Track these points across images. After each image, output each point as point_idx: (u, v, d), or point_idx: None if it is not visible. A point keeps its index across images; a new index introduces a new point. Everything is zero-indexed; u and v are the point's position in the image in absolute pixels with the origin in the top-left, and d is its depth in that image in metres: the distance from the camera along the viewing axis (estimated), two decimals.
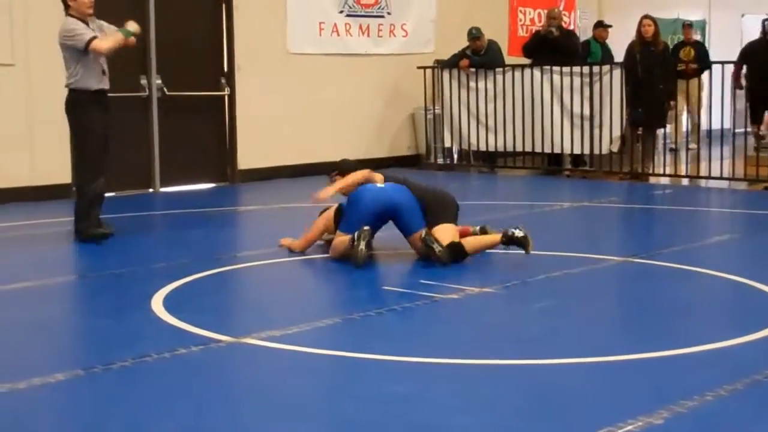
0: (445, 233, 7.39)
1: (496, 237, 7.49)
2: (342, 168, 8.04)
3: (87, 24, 8.37)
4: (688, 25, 16.24)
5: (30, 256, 8.10)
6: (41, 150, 11.05)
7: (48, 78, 11.02)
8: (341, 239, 7.29)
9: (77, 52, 8.31)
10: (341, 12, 13.92)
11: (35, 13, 10.91)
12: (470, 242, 7.48)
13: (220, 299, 6.63)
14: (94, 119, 8.37)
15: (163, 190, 12.10)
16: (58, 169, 11.17)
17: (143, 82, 11.94)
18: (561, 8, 16.19)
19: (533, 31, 15.22)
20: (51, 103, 11.03)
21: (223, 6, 12.70)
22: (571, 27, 16.53)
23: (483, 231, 7.88)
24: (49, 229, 9.37)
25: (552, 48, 13.46)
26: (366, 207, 7.27)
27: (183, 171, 12.34)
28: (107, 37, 8.34)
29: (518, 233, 7.35)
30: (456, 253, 7.31)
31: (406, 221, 7.38)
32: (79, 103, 8.39)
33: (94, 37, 8.23)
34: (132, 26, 8.45)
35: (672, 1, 18.98)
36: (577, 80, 12.99)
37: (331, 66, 13.73)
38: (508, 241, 7.39)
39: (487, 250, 7.53)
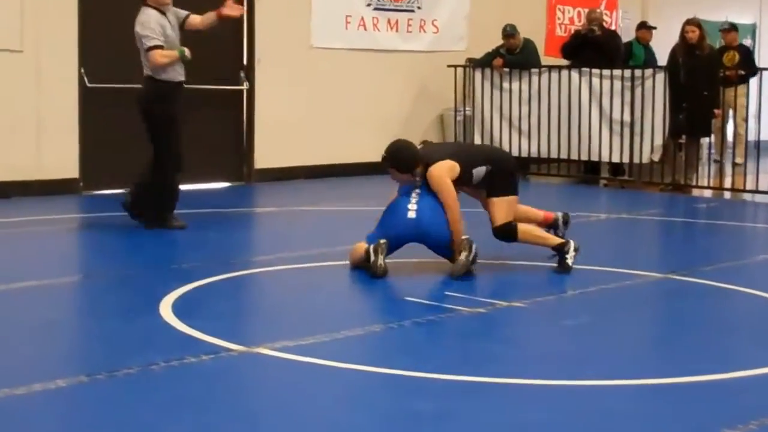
0: (501, 211, 7.46)
1: (553, 240, 7.54)
2: (399, 161, 7.51)
3: (164, 14, 8.87)
4: (728, 29, 15.93)
5: (34, 253, 8.12)
6: (49, 142, 11.08)
7: (57, 66, 11.09)
8: (360, 245, 7.27)
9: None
10: (369, 5, 13.93)
11: None
12: (525, 231, 7.54)
13: (232, 305, 6.62)
14: (177, 112, 8.98)
15: None
16: (66, 163, 11.22)
17: None
18: (602, 8, 16.16)
19: (573, 31, 15.18)
20: (60, 92, 11.12)
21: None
22: (613, 28, 16.47)
23: (565, 219, 8.00)
24: (55, 225, 9.40)
25: (593, 49, 13.42)
26: (391, 232, 7.25)
27: (197, 169, 12.27)
28: (168, 53, 8.83)
29: (570, 259, 7.39)
30: (506, 234, 7.47)
31: (433, 248, 7.39)
32: (164, 94, 8.91)
33: (159, 46, 8.77)
34: (188, 52, 8.94)
35: (721, 2, 18.90)
36: (617, 84, 12.94)
37: (357, 62, 13.74)
38: (559, 255, 7.43)
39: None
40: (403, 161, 7.44)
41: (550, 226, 7.95)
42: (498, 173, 7.55)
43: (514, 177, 7.74)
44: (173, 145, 9.03)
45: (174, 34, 8.96)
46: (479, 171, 7.48)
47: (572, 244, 7.47)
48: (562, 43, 14.48)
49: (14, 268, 7.38)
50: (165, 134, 8.97)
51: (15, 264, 7.63)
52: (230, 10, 9.09)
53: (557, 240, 7.56)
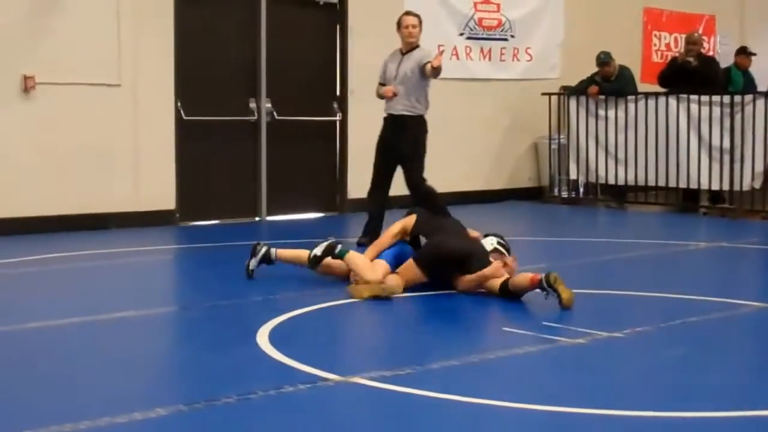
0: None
1: None
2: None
3: (402, 53, 10.08)
4: None
5: (132, 284, 8.24)
6: (146, 174, 11.24)
7: (154, 99, 11.26)
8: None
9: None
10: (462, 34, 13.95)
11: (144, 32, 11.13)
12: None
13: (328, 335, 6.65)
14: (383, 140, 10.22)
15: (269, 218, 12.22)
16: (163, 195, 11.36)
17: (252, 105, 12.10)
18: (700, 33, 15.99)
19: (669, 58, 15.03)
20: (157, 125, 11.28)
21: (338, 27, 12.82)
22: (711, 53, 16.29)
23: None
24: (152, 256, 9.53)
25: (690, 77, 13.26)
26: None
27: (290, 199, 12.45)
28: (377, 88, 10.22)
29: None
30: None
31: None
32: None
33: (380, 83, 10.20)
34: (383, 90, 10.07)
35: None
36: (716, 110, 12.79)
37: (450, 91, 13.73)
38: None
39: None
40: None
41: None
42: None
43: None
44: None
45: (394, 71, 10.03)
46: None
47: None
48: (659, 71, 14.32)
49: (113, 299, 7.49)
50: None
51: (113, 294, 7.75)
52: (435, 61, 9.73)
53: None
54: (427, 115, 10.15)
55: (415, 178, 10.07)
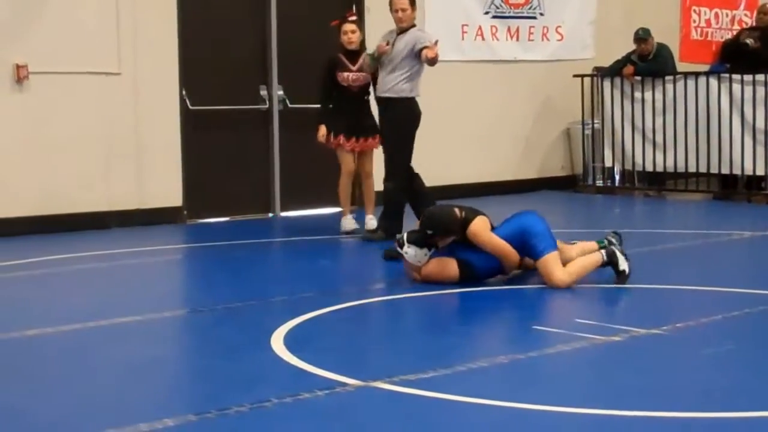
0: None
1: None
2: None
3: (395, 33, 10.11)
4: None
5: (137, 287, 8.26)
6: (150, 169, 11.24)
7: (157, 88, 11.25)
8: None
9: None
10: (487, 13, 13.93)
11: (145, 15, 11.14)
12: None
13: (347, 337, 6.65)
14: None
15: (283, 214, 12.23)
16: (169, 191, 11.36)
17: (263, 93, 12.11)
18: (743, 7, 15.91)
19: (725, 40, 14.94)
20: (160, 116, 11.28)
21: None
22: None
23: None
24: (158, 257, 9.56)
25: (750, 59, 13.15)
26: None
27: (306, 193, 12.44)
28: None
29: None
30: None
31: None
32: None
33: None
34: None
35: None
36: (760, 90, 12.73)
37: (475, 74, 13.74)
38: None
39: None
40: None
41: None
42: None
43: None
44: None
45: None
46: None
47: None
48: (720, 46, 14.22)
49: (117, 303, 7.51)
50: None
51: (117, 298, 7.77)
52: (430, 51, 9.79)
53: None
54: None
55: None
